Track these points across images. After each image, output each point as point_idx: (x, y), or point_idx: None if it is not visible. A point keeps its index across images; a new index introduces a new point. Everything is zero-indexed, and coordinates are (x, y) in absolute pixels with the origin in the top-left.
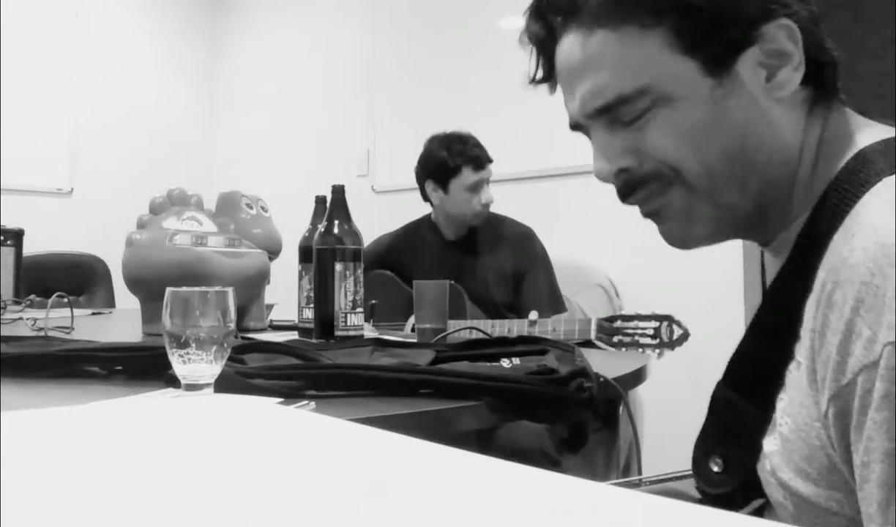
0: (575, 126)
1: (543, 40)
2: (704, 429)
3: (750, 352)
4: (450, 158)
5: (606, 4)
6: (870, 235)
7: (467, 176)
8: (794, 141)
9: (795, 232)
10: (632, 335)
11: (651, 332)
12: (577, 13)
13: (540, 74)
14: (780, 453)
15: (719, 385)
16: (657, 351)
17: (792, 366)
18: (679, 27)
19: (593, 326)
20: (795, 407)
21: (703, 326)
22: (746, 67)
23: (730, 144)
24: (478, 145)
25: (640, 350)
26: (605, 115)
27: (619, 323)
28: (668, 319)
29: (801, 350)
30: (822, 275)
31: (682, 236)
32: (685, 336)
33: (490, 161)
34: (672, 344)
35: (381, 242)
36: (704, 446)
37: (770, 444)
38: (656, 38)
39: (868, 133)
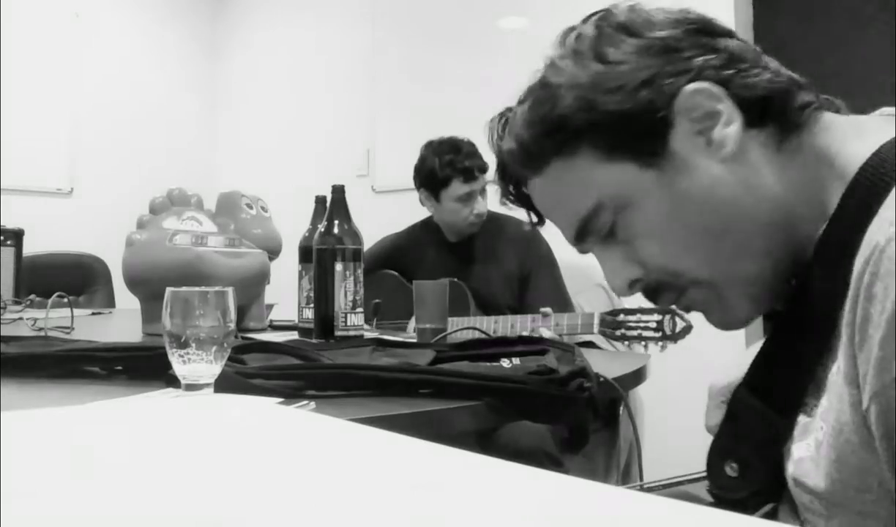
0: (582, 252)
1: (517, 195)
2: (722, 432)
3: (775, 355)
4: (439, 169)
5: (532, 153)
6: None
7: (457, 188)
8: (771, 183)
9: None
10: (635, 328)
11: (654, 325)
12: (523, 163)
13: (535, 219)
14: (812, 457)
15: (740, 389)
16: (660, 344)
17: (833, 368)
18: (596, 143)
19: (596, 321)
20: (834, 412)
21: (703, 327)
22: (682, 143)
23: (707, 221)
24: (471, 154)
25: (644, 343)
26: (588, 237)
27: (621, 317)
28: (671, 312)
29: (837, 350)
30: (858, 266)
31: (726, 323)
32: (688, 329)
33: (484, 171)
34: (675, 337)
35: (385, 243)
36: (721, 450)
37: (802, 449)
38: (584, 159)
39: (871, 128)
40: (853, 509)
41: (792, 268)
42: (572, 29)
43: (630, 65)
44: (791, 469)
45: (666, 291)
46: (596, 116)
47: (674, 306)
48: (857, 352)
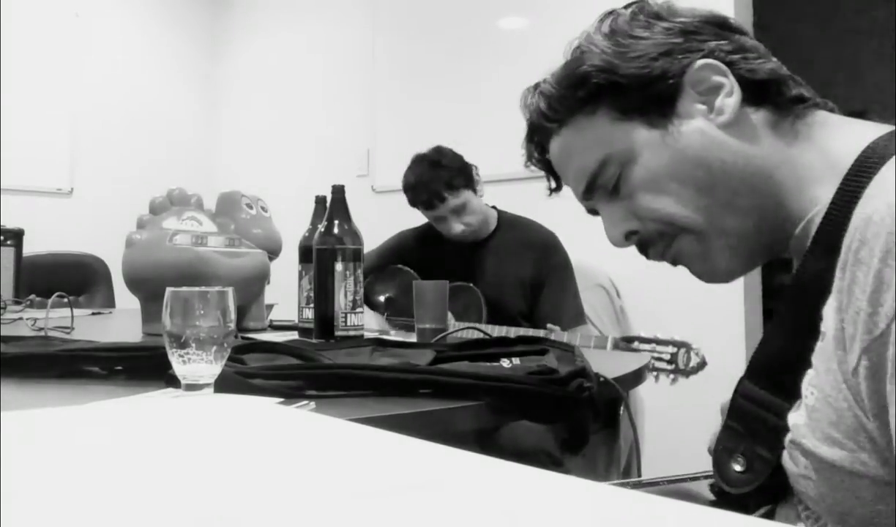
0: (590, 211)
1: (540, 159)
2: (727, 427)
3: (775, 345)
4: (406, 194)
5: (557, 108)
6: (892, 192)
7: (424, 214)
8: (762, 155)
9: (812, 228)
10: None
11: (668, 357)
12: (548, 125)
13: (554, 185)
14: (805, 424)
15: (742, 382)
16: (671, 376)
17: (817, 343)
18: (613, 103)
19: (609, 345)
20: (821, 376)
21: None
22: (687, 107)
23: (699, 176)
24: (429, 183)
25: (655, 374)
26: (596, 192)
27: (635, 344)
28: (687, 345)
29: (826, 320)
30: (847, 239)
31: (709, 274)
32: (702, 365)
33: (443, 200)
34: (688, 372)
35: (403, 237)
36: (727, 445)
37: (795, 418)
38: (601, 117)
39: (862, 128)
40: (849, 469)
41: (772, 236)
42: (611, 12)
43: (652, 41)
44: (789, 436)
45: (657, 243)
46: (616, 78)
47: (668, 261)
48: (843, 315)
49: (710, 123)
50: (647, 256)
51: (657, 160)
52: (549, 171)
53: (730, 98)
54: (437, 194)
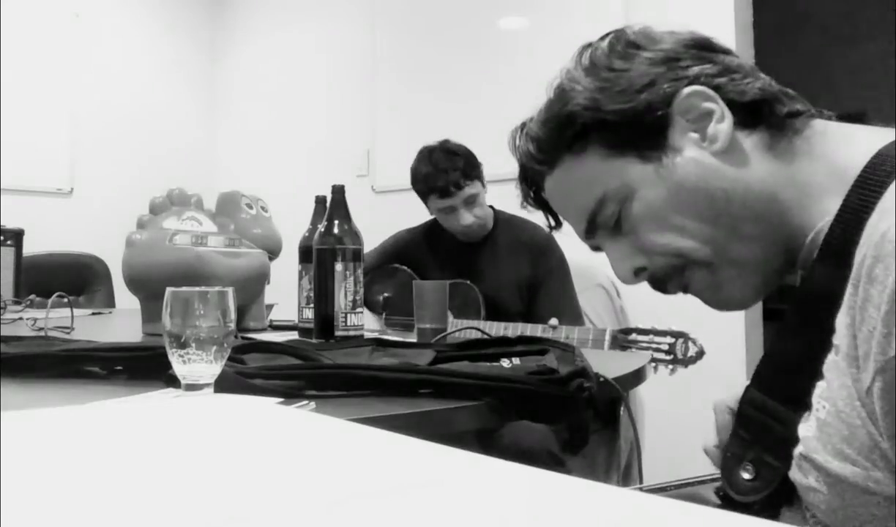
0: (594, 248)
1: (536, 199)
2: (735, 435)
3: (783, 354)
4: (418, 184)
5: (546, 150)
6: None
7: (434, 202)
8: (761, 177)
9: (820, 239)
10: (646, 349)
11: (666, 347)
12: (538, 160)
13: (553, 223)
14: (816, 438)
15: (749, 389)
16: (670, 367)
17: (829, 355)
18: (602, 140)
19: (607, 337)
20: (834, 391)
21: (702, 327)
22: (679, 138)
23: (700, 207)
24: (447, 170)
25: (654, 365)
26: (597, 231)
27: (633, 336)
28: (684, 336)
29: (839, 334)
30: (860, 254)
31: (722, 303)
32: (700, 354)
33: (460, 187)
34: (686, 362)
35: (400, 237)
36: (735, 452)
37: (805, 430)
38: (592, 155)
39: (867, 135)
40: (861, 486)
41: (783, 257)
42: (589, 45)
43: (634, 73)
44: (798, 449)
45: (672, 278)
46: (602, 116)
47: (684, 292)
48: (856, 332)
49: (704, 152)
50: (665, 292)
51: (655, 195)
52: (547, 209)
53: (721, 124)
54: (455, 181)
